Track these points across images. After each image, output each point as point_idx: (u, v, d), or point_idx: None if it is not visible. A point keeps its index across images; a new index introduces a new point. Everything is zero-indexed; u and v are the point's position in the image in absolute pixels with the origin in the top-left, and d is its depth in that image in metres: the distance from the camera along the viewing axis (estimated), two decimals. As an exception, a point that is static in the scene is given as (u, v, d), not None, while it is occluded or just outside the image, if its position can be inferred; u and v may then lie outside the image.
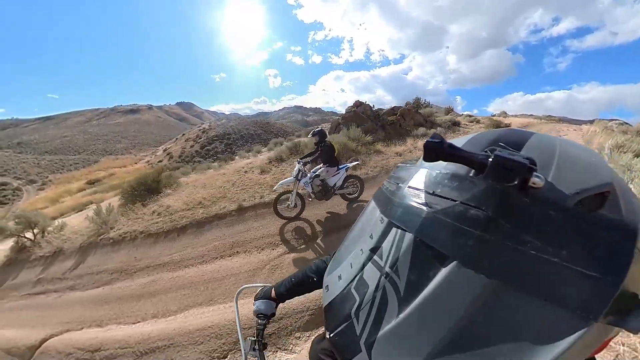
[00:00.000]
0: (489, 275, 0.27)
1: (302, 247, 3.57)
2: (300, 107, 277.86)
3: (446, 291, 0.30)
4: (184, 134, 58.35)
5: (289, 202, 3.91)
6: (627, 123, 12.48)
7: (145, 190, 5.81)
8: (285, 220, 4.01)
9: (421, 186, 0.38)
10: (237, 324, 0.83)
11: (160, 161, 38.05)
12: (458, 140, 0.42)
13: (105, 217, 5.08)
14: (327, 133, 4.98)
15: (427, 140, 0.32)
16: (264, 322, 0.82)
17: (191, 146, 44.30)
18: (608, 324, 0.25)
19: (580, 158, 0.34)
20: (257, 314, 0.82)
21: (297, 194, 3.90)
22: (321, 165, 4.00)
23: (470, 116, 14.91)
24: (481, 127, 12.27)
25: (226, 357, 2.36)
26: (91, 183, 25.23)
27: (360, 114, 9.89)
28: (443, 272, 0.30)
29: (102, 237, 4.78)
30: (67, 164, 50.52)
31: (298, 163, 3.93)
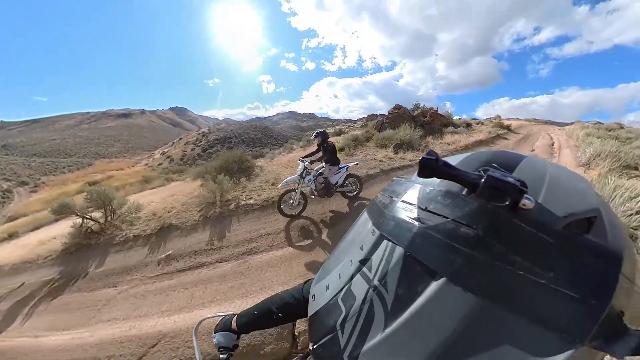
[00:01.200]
0: (477, 294, 0.28)
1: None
2: (294, 112, 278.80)
3: (434, 307, 0.30)
4: (181, 138, 57.51)
5: (292, 200, 4.01)
6: (600, 122, 16.02)
7: (239, 169, 6.27)
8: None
9: (414, 201, 0.38)
10: (197, 357, 0.76)
11: (160, 164, 37.06)
12: (452, 159, 0.42)
13: (217, 190, 4.93)
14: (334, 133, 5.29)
15: (422, 157, 0.33)
16: (226, 356, 0.77)
17: (192, 149, 43.84)
18: (594, 348, 0.25)
19: (569, 183, 0.35)
20: (218, 347, 0.78)
21: (300, 192, 4.03)
22: (323, 164, 4.17)
23: (474, 119, 16.96)
24: (486, 127, 14.08)
25: None
26: (90, 185, 24.43)
27: (402, 115, 11.50)
28: (432, 288, 0.30)
29: (211, 213, 4.65)
30: (59, 166, 48.78)
31: (302, 162, 4.05)
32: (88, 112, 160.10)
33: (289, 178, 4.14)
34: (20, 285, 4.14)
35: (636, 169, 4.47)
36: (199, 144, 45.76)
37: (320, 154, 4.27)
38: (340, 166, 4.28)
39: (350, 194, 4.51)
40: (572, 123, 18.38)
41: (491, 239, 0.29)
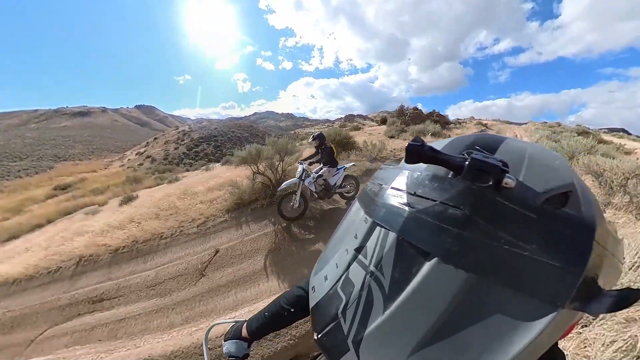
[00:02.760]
0: (468, 270, 0.30)
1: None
2: (272, 112, 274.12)
3: (428, 286, 0.31)
4: (156, 138, 53.27)
5: (292, 203, 4.04)
6: (545, 122, 21.03)
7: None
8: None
9: (403, 187, 0.39)
10: None
11: (141, 164, 33.77)
12: (437, 144, 0.43)
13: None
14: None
15: (409, 143, 0.34)
16: None
17: (175, 148, 41.54)
18: (573, 309, 0.28)
19: (547, 161, 0.37)
20: (228, 356, 0.75)
21: (301, 194, 4.07)
22: (322, 166, 4.25)
23: (458, 119, 23.00)
24: (470, 125, 19.09)
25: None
26: (63, 189, 21.03)
27: (419, 114, 15.77)
28: (425, 269, 0.32)
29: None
30: (12, 170, 43.46)
31: (301, 164, 4.13)
32: (36, 110, 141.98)
33: (288, 181, 4.16)
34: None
35: (555, 141, 8.00)
36: (182, 143, 43.48)
37: (319, 156, 4.34)
38: (338, 167, 4.38)
39: (348, 194, 4.56)
40: (525, 123, 23.18)
41: (478, 218, 0.31)
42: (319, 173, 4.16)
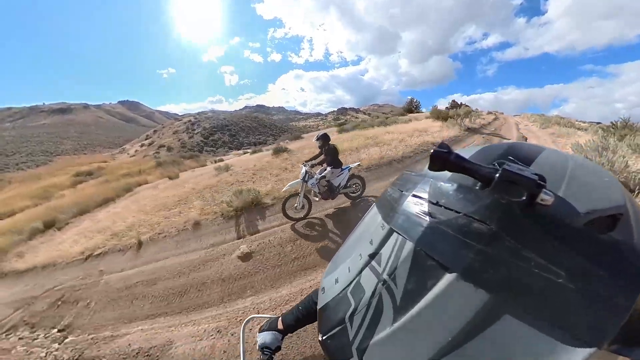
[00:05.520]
0: (489, 291, 0.27)
1: None
2: (262, 106, 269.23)
3: (444, 303, 0.29)
4: (156, 130, 50.86)
5: (296, 204, 4.06)
6: (535, 114, 24.44)
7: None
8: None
9: (425, 195, 0.37)
10: (241, 356, 0.78)
11: (157, 152, 32.13)
12: (466, 151, 0.41)
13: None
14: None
15: (434, 149, 0.32)
16: (268, 357, 0.76)
17: (189, 137, 40.82)
18: (611, 351, 0.24)
19: (593, 178, 0.34)
20: (262, 347, 0.78)
21: (304, 195, 4.08)
22: (326, 167, 4.21)
23: (476, 109, 25.13)
24: (483, 115, 20.45)
25: None
26: (88, 174, 20.04)
27: (453, 105, 19.25)
28: (442, 284, 0.30)
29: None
30: (10, 163, 40.73)
31: (304, 165, 4.13)
32: (9, 109, 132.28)
33: (292, 182, 4.20)
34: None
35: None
36: (195, 132, 42.69)
37: (322, 157, 4.30)
38: (343, 167, 4.30)
39: (353, 195, 4.50)
40: (515, 115, 26.67)
41: (505, 235, 0.28)
42: (322, 174, 4.11)
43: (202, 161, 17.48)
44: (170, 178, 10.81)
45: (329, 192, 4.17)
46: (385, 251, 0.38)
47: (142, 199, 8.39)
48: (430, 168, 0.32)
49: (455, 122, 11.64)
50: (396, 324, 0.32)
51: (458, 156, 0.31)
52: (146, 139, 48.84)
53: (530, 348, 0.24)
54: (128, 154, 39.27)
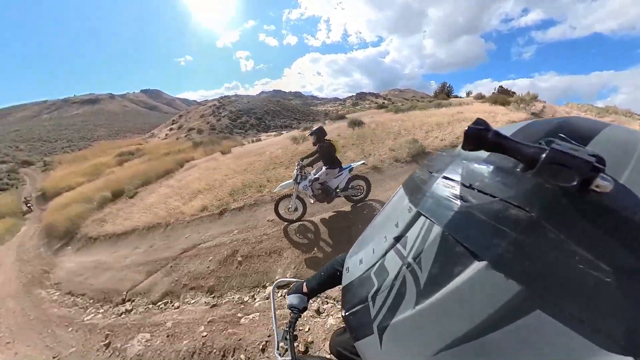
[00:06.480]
0: (522, 284, 0.25)
1: None
2: (279, 91, 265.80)
3: (470, 291, 0.28)
4: (181, 115, 52.16)
5: (289, 206, 3.70)
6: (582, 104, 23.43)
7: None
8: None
9: (457, 178, 0.35)
10: (273, 314, 0.84)
11: (188, 134, 33.47)
12: (507, 128, 0.37)
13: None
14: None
15: (468, 126, 0.29)
16: (296, 315, 0.83)
17: (217, 120, 41.75)
18: None
19: None
20: (290, 307, 0.84)
21: (298, 197, 3.70)
22: (322, 166, 3.71)
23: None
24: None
25: None
26: (130, 154, 21.16)
27: (502, 91, 18.57)
28: (469, 271, 0.28)
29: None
30: (57, 147, 45.21)
31: (297, 165, 3.73)
32: (45, 101, 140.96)
33: (284, 183, 3.83)
34: None
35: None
36: (222, 116, 43.90)
37: (316, 155, 3.69)
38: (342, 167, 3.72)
39: (354, 198, 3.95)
40: (560, 105, 25.87)
41: (547, 224, 0.25)
42: (316, 175, 3.62)
43: (239, 141, 17.81)
44: (223, 153, 11.23)
45: (324, 195, 3.65)
46: (411, 234, 0.37)
47: (214, 168, 8.37)
48: (465, 147, 0.30)
49: (519, 106, 11.09)
50: (418, 307, 0.31)
51: (497, 134, 0.28)
52: (173, 124, 50.20)
53: (561, 347, 0.23)
54: (158, 137, 40.71)
